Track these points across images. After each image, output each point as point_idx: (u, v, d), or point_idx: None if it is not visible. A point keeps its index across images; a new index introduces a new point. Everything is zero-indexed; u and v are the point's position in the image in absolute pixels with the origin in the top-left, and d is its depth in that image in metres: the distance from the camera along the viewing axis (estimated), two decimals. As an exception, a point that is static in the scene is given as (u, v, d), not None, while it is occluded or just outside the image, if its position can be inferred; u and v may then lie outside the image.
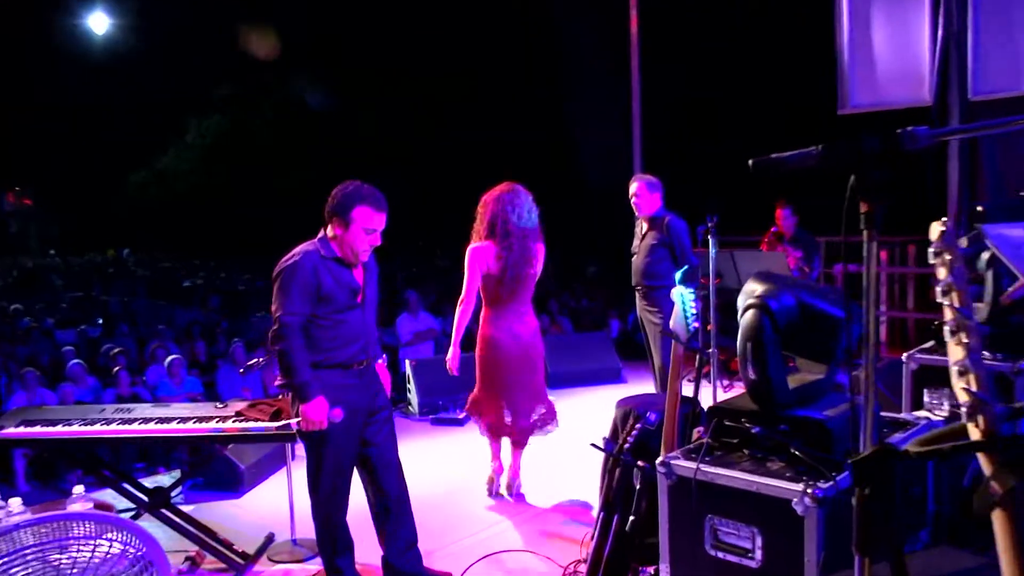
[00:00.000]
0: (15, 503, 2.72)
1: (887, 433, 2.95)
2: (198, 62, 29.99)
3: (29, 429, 3.86)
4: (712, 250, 5.55)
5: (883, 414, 3.14)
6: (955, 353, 1.29)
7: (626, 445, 3.34)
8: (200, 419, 3.88)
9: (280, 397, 4.26)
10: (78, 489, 2.94)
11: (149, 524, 4.09)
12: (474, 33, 22.06)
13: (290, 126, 29.68)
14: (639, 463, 3.27)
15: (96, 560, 2.64)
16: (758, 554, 2.62)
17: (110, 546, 2.76)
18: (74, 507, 2.81)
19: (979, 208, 4.52)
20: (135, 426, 3.87)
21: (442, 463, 5.83)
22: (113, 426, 3.87)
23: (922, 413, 3.23)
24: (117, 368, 8.08)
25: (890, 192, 1.41)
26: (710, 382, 6.02)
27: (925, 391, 3.33)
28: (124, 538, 2.83)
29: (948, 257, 1.33)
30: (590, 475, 4.61)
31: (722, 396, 6.27)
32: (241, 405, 4.02)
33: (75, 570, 2.46)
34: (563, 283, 15.05)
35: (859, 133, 1.41)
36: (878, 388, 1.59)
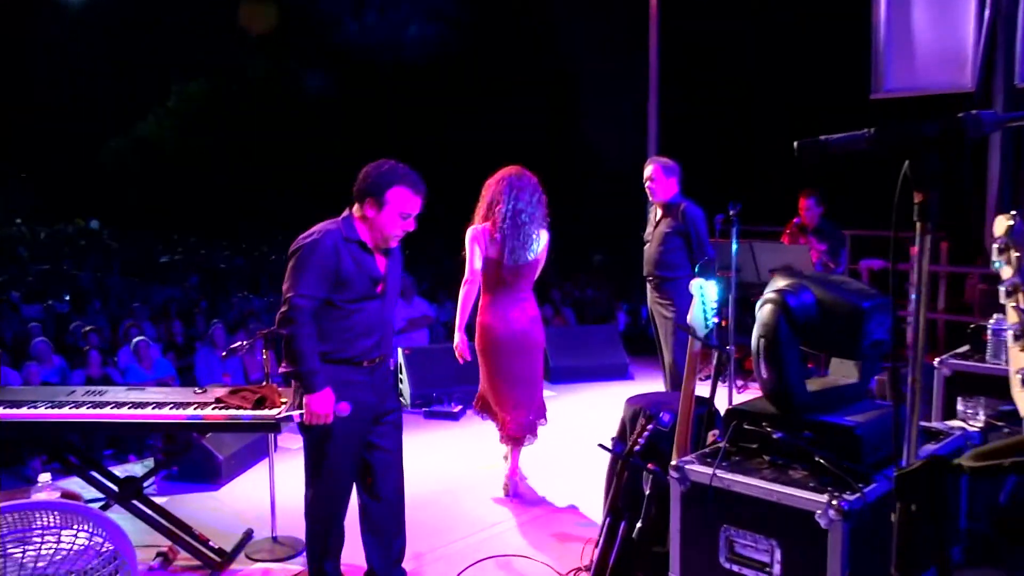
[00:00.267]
0: (-25, 490, 2.69)
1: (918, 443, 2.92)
2: (185, 21, 29.86)
3: (-8, 410, 3.82)
4: (734, 241, 5.51)
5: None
6: (1019, 360, 1.25)
7: (636, 447, 3.31)
8: (177, 405, 3.85)
9: (263, 384, 4.24)
10: (44, 477, 2.92)
11: (118, 516, 4.08)
12: (477, 4, 22.00)
13: (279, 95, 29.56)
14: (649, 466, 3.25)
15: (61, 554, 2.61)
16: (776, 569, 2.60)
17: (75, 538, 2.74)
18: (39, 496, 2.79)
19: None
20: (107, 410, 3.83)
21: (436, 459, 5.81)
22: (83, 410, 3.84)
23: (956, 423, 3.20)
24: (88, 348, 8.05)
25: (944, 182, 1.37)
26: (724, 382, 6.01)
27: (959, 399, 3.31)
28: (91, 530, 2.80)
29: (1016, 254, 1.29)
30: (594, 477, 4.59)
31: (737, 398, 6.26)
32: (221, 391, 3.99)
33: (38, 564, 2.43)
34: (566, 272, 15.04)
35: (912, 117, 1.37)
36: (903, 393, 1.56)
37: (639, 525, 3.25)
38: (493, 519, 4.71)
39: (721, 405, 3.78)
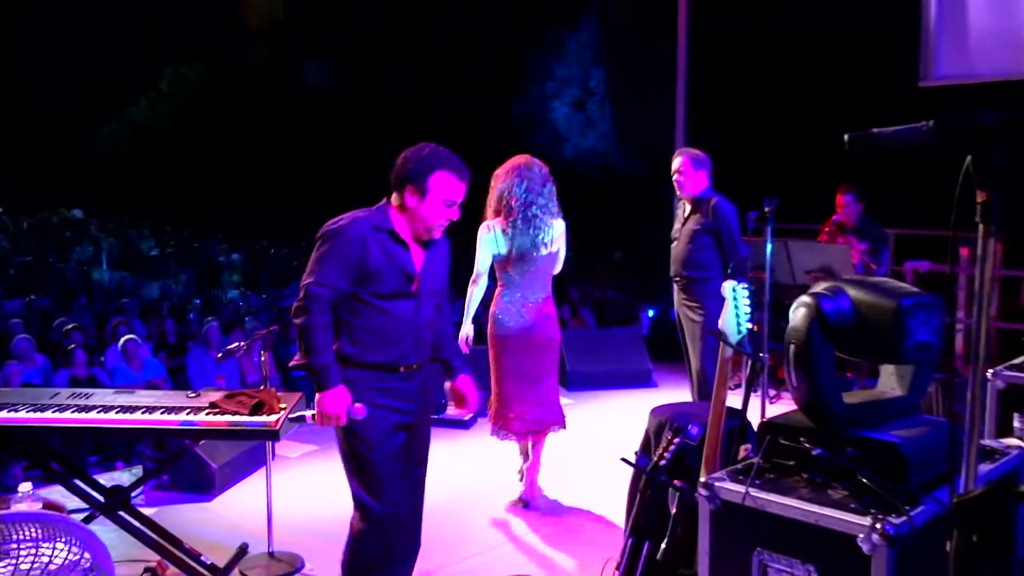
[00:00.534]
0: (-50, 500, 2.70)
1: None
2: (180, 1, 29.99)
3: (-29, 413, 3.83)
4: (769, 240, 5.47)
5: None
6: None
7: (661, 462, 3.29)
8: (169, 409, 3.85)
9: (261, 388, 4.23)
10: (25, 486, 2.92)
11: (104, 528, 4.09)
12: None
13: (281, 79, 29.66)
14: (676, 483, 3.23)
15: (40, 569, 2.61)
16: (814, 597, 2.57)
17: (56, 553, 2.74)
18: (19, 507, 2.78)
19: None
20: (93, 415, 3.83)
21: (445, 471, 5.79)
22: (67, 414, 3.84)
23: (1012, 441, 3.16)
24: (72, 346, 8.08)
25: (1011, 178, 1.34)
26: (757, 392, 5.97)
27: (1016, 415, 3.26)
28: (73, 544, 2.80)
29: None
30: (615, 493, 4.57)
31: (770, 409, 6.22)
32: (216, 395, 3.99)
33: (18, 581, 2.43)
34: (585, 269, 15.02)
35: (973, 107, 1.34)
36: (955, 409, 1.53)
37: (664, 546, 3.23)
38: (507, 535, 4.70)
39: (753, 417, 3.76)
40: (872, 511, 2.51)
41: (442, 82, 24.41)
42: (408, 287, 3.33)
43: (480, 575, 4.11)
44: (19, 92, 31.64)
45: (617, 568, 3.48)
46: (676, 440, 3.27)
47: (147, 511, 4.58)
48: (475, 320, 5.06)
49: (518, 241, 4.79)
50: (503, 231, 4.78)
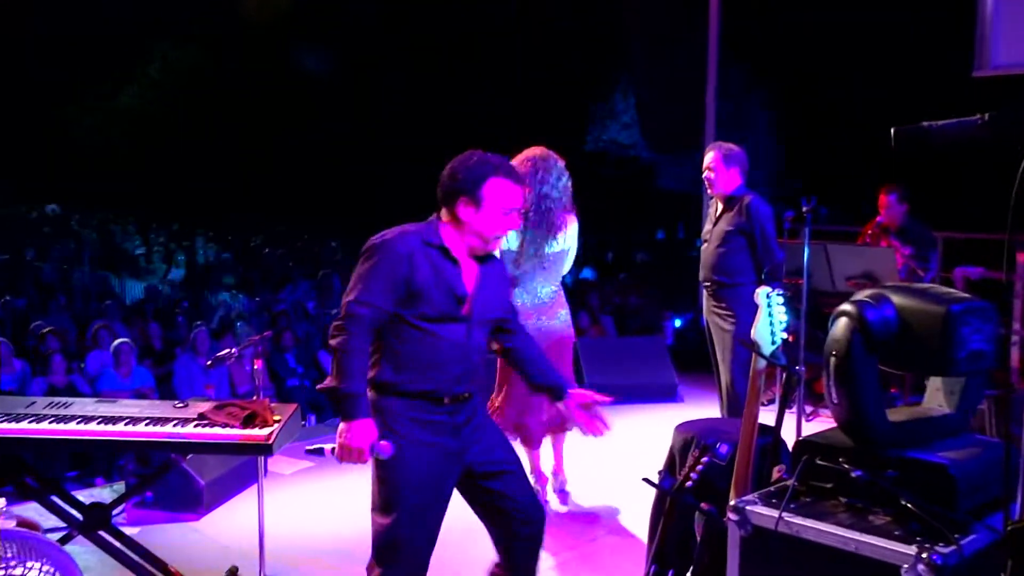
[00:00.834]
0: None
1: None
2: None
3: (-60, 424, 3.85)
4: (807, 243, 5.46)
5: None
6: None
7: (687, 483, 3.28)
8: (154, 421, 3.86)
9: (253, 398, 4.25)
10: (-1, 502, 2.93)
11: (82, 549, 4.11)
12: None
13: (278, 66, 29.75)
14: (703, 506, 3.22)
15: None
16: (853, 632, 2.57)
17: (29, 574, 2.76)
18: (-7, 524, 2.80)
19: None
20: (72, 425, 3.85)
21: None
22: (44, 424, 3.86)
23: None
24: (49, 352, 8.13)
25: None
26: (792, 408, 5.95)
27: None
28: (46, 565, 2.82)
29: None
30: (637, 516, 4.57)
31: (806, 427, 6.20)
32: (205, 406, 4.00)
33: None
34: (605, 273, 15.01)
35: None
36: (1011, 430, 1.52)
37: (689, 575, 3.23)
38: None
39: (788, 436, 3.74)
40: (918, 539, 2.51)
41: (446, 77, 24.48)
42: (458, 310, 3.27)
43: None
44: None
45: (638, 598, 3.48)
46: (704, 459, 3.27)
47: (129, 531, 4.59)
48: None
49: (530, 236, 4.86)
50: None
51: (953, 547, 2.46)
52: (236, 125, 30.17)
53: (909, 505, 2.64)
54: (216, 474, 5.50)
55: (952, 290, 2.90)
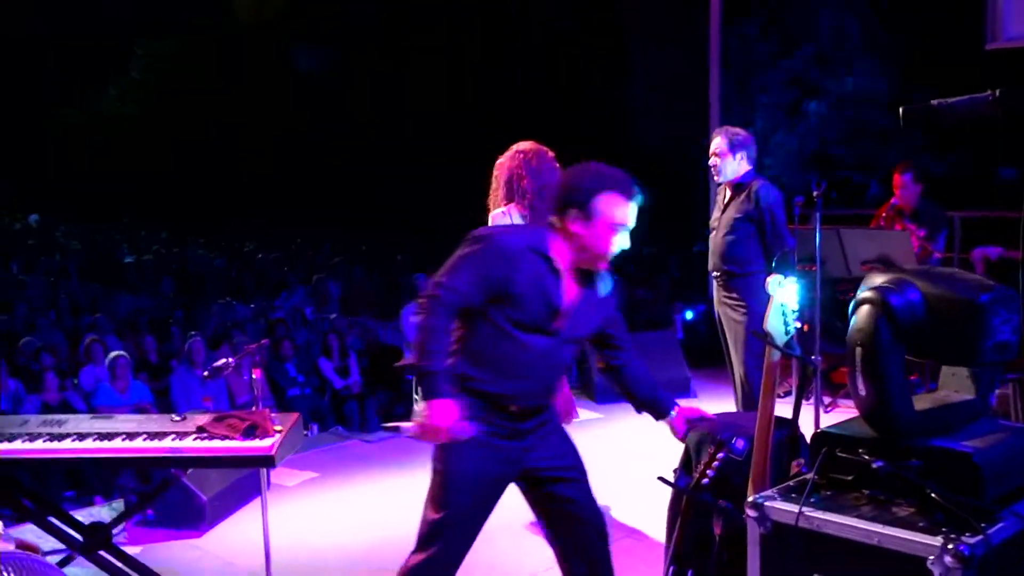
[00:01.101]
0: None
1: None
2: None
3: (-69, 446, 3.87)
4: (818, 228, 5.46)
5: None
6: None
7: (704, 480, 3.30)
8: (152, 435, 3.88)
9: (253, 409, 4.27)
10: (-4, 524, 2.95)
11: (83, 570, 4.14)
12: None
13: (267, 64, 29.72)
14: (721, 503, 3.23)
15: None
16: (879, 627, 2.58)
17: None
18: (-9, 547, 2.82)
19: None
20: (67, 444, 3.88)
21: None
22: (39, 443, 3.88)
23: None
24: (43, 369, 8.14)
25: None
26: (809, 400, 5.96)
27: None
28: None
29: None
30: (651, 516, 4.58)
31: (824, 419, 6.21)
32: (204, 418, 4.02)
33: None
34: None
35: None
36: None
37: (709, 574, 3.24)
38: (533, 566, 4.71)
39: (806, 428, 3.76)
40: (943, 530, 2.51)
41: (447, 77, 24.48)
42: (550, 323, 3.27)
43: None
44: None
45: (657, 601, 3.50)
46: (719, 455, 3.28)
47: (131, 550, 4.62)
48: None
49: (536, 219, 4.86)
50: (521, 215, 4.85)
51: (980, 536, 2.47)
52: (226, 127, 30.16)
53: (934, 495, 2.64)
54: (218, 488, 5.52)
55: (975, 276, 2.90)
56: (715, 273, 5.76)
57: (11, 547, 2.97)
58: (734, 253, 5.61)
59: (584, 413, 7.35)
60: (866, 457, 2.82)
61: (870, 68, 12.47)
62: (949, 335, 2.78)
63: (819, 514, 2.72)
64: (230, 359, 4.77)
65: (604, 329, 3.45)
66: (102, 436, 3.91)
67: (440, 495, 3.34)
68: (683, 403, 3.60)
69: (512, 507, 5.41)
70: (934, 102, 1.46)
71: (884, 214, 7.46)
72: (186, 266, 17.09)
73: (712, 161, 5.66)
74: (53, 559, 3.92)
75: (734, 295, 5.64)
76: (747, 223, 5.55)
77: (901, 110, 1.53)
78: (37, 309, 12.10)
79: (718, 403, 6.94)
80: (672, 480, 3.49)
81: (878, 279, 2.88)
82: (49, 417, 4.22)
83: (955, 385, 3.04)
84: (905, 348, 2.83)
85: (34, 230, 25.70)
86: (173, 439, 3.85)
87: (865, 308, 2.82)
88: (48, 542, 4.28)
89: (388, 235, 20.69)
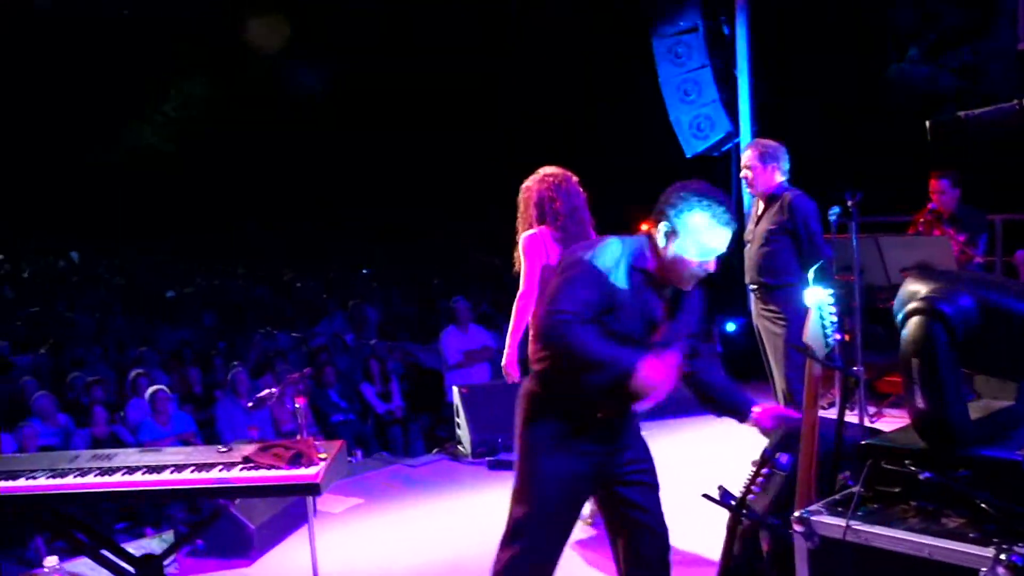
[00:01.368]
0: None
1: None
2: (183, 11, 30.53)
3: (-13, 484, 3.93)
4: (855, 237, 5.44)
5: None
6: None
7: (750, 496, 3.28)
8: (199, 467, 3.92)
9: (298, 437, 4.30)
10: (51, 560, 3.00)
11: (138, 602, 4.16)
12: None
13: (300, 94, 30.00)
14: (768, 520, 3.21)
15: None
16: (933, 640, 2.55)
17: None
18: (47, 583, 2.86)
19: None
20: (117, 477, 3.92)
21: (503, 521, 5.82)
22: (90, 478, 3.93)
23: None
24: (92, 403, 8.24)
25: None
26: (853, 411, 5.91)
27: None
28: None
29: None
30: (694, 534, 4.55)
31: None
32: (250, 448, 4.05)
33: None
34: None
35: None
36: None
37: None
38: None
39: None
40: (995, 540, 2.48)
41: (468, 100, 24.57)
42: (648, 336, 3.30)
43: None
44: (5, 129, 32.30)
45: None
46: (763, 471, 3.26)
47: (182, 581, 4.67)
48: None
49: (568, 243, 4.95)
50: (554, 238, 4.96)
51: (1032, 546, 2.44)
52: (255, 157, 30.47)
53: (984, 505, 2.61)
54: (265, 517, 5.56)
55: None
56: (752, 286, 5.75)
57: (66, 582, 3.02)
58: (770, 265, 5.59)
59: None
60: (913, 468, 2.79)
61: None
62: (1005, 351, 2.74)
63: (867, 527, 2.69)
64: (274, 389, 4.82)
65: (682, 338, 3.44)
66: (151, 469, 3.94)
67: (525, 491, 3.43)
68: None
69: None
70: (961, 114, 1.45)
71: (922, 220, 7.38)
72: (227, 297, 17.23)
73: (744, 173, 5.66)
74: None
75: (772, 307, 5.61)
76: (782, 235, 5.54)
77: (928, 123, 1.52)
78: (84, 345, 12.26)
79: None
80: (717, 497, 3.46)
81: (921, 286, 2.83)
82: (99, 452, 4.28)
83: (990, 392, 3.01)
84: (959, 358, 2.78)
85: (78, 267, 26.04)
86: (220, 470, 3.88)
87: (916, 319, 2.77)
88: (101, 575, 4.32)
89: (424, 259, 20.77)
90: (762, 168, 5.60)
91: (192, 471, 3.90)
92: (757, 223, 5.71)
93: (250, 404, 5.02)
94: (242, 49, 31.02)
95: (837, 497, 2.97)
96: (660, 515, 3.58)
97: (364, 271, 19.97)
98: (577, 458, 3.39)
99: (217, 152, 31.49)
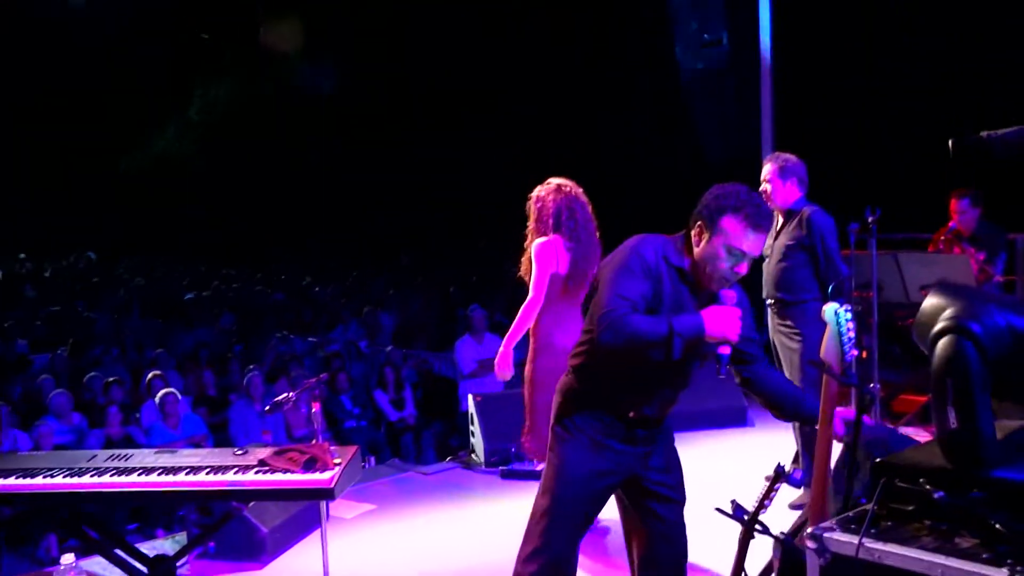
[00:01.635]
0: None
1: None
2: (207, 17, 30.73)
3: (3, 481, 3.96)
4: (874, 254, 5.43)
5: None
6: None
7: (762, 510, 3.28)
8: (215, 469, 3.94)
9: (313, 442, 4.32)
10: (67, 558, 3.02)
11: (150, 602, 4.18)
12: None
13: (318, 98, 30.10)
14: (781, 534, 3.21)
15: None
16: (944, 661, 2.54)
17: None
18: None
19: None
20: (134, 477, 3.94)
21: (514, 530, 5.81)
22: (106, 477, 3.95)
23: None
24: (108, 403, 8.29)
25: None
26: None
27: None
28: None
29: None
30: (709, 548, 4.54)
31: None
32: (264, 452, 4.07)
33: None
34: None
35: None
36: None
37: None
38: None
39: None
40: (1008, 562, 2.47)
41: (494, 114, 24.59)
42: None
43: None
44: (34, 132, 32.58)
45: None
46: (776, 486, 3.26)
47: (194, 582, 4.68)
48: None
49: (580, 257, 5.20)
50: (567, 247, 5.16)
51: (1045, 568, 2.43)
52: (278, 162, 30.60)
53: (998, 526, 2.60)
54: (278, 521, 5.57)
55: None
56: (769, 301, 5.74)
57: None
58: (787, 280, 5.58)
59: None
60: (927, 487, 2.78)
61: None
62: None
63: (880, 545, 2.68)
64: (290, 394, 4.84)
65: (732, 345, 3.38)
66: (167, 470, 3.97)
67: (550, 484, 3.46)
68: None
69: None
70: (984, 134, 1.46)
71: (942, 238, 7.37)
72: (245, 301, 17.29)
73: (763, 188, 5.65)
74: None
75: (788, 323, 5.60)
76: (799, 251, 5.53)
77: (951, 142, 1.53)
78: (102, 345, 12.34)
79: (775, 433, 6.87)
80: (730, 511, 3.46)
81: (947, 304, 2.79)
82: (115, 452, 4.30)
83: (1001, 412, 2.98)
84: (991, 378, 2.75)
85: (97, 267, 26.16)
86: (236, 472, 3.90)
87: (948, 339, 2.73)
88: (114, 574, 4.35)
89: (444, 266, 20.80)
90: (781, 183, 5.59)
91: (208, 473, 3.93)
92: (775, 238, 5.70)
93: (266, 408, 5.04)
94: (263, 55, 31.27)
95: (850, 514, 2.96)
96: (682, 528, 3.60)
97: (380, 278, 20.00)
98: (603, 455, 3.43)
99: (242, 157, 31.67)
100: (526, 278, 5.34)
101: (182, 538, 5.86)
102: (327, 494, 3.82)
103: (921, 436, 3.10)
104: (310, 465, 3.87)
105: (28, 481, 3.95)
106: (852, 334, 3.30)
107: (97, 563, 4.59)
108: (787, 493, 5.46)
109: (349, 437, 8.90)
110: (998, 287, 7.10)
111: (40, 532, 6.88)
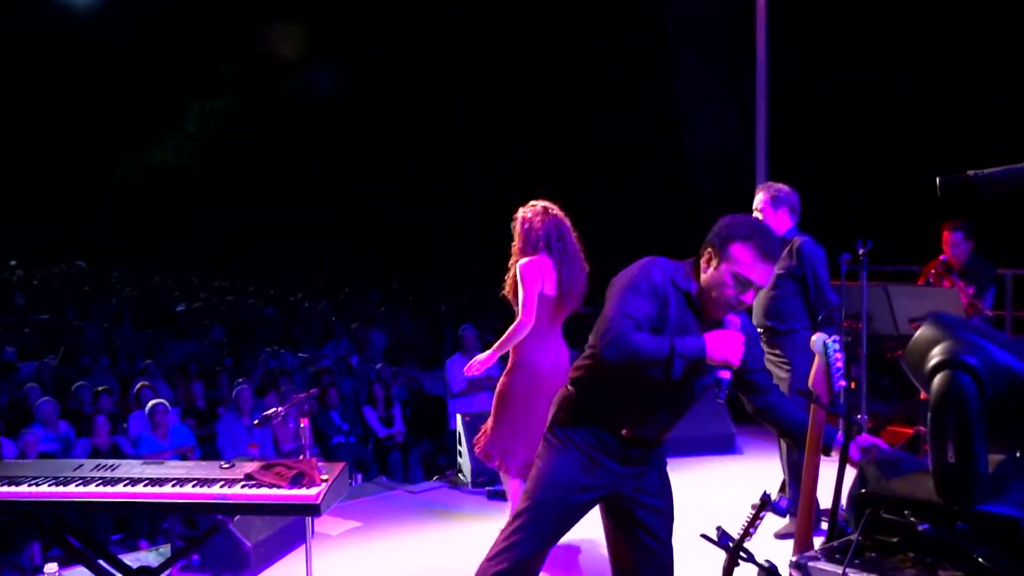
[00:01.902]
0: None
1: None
2: (203, 30, 30.80)
3: (-10, 489, 3.94)
4: (864, 286, 5.46)
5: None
6: None
7: (747, 538, 3.28)
8: (201, 482, 3.93)
9: (301, 457, 4.31)
10: (51, 567, 3.01)
11: (131, 614, 4.16)
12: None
13: (316, 113, 30.15)
14: (767, 563, 3.21)
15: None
16: None
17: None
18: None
19: None
20: (120, 488, 3.93)
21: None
22: (92, 487, 3.94)
23: None
24: (94, 412, 8.26)
25: None
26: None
27: None
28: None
29: None
30: (700, 574, 4.54)
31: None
32: (252, 466, 4.06)
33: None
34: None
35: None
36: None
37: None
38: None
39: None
40: (990, 595, 2.48)
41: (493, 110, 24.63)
42: None
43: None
44: (30, 139, 32.58)
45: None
46: (761, 514, 3.27)
47: (176, 595, 4.66)
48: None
49: (567, 279, 5.30)
50: (555, 267, 5.26)
51: (1027, 603, 2.43)
52: (270, 175, 30.61)
53: (981, 560, 2.61)
54: (262, 535, 5.55)
55: None
56: (759, 329, 5.75)
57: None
58: (777, 309, 5.60)
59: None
60: (912, 519, 2.79)
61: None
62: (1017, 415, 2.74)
63: (864, 576, 2.70)
64: (280, 408, 4.84)
65: (740, 374, 3.37)
66: (153, 482, 3.96)
67: (531, 487, 3.49)
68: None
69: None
70: (971, 173, 1.47)
71: (932, 271, 7.38)
72: (236, 314, 17.27)
73: (754, 216, 5.68)
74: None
75: (777, 351, 5.62)
76: (789, 280, 5.55)
77: (938, 180, 1.54)
78: (91, 354, 12.30)
79: (763, 460, 6.89)
80: (715, 537, 3.46)
81: (941, 339, 2.78)
82: (102, 461, 4.29)
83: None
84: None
85: (89, 276, 26.11)
86: (222, 486, 3.89)
87: (945, 374, 2.73)
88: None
89: (435, 285, 20.81)
90: (772, 212, 5.61)
91: (194, 486, 3.92)
92: (767, 267, 5.73)
93: (256, 422, 5.03)
94: (261, 65, 31.31)
95: (835, 544, 2.97)
96: (669, 552, 3.60)
97: (372, 294, 20.01)
98: (589, 469, 3.44)
99: (237, 169, 31.68)
100: (510, 297, 5.43)
101: (166, 550, 5.84)
102: (313, 510, 3.81)
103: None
104: (297, 480, 3.86)
105: (13, 489, 3.94)
106: (840, 364, 3.33)
107: (80, 573, 4.56)
108: (773, 522, 5.48)
109: (337, 453, 8.88)
110: (986, 322, 7.12)
111: (24, 540, 6.84)
